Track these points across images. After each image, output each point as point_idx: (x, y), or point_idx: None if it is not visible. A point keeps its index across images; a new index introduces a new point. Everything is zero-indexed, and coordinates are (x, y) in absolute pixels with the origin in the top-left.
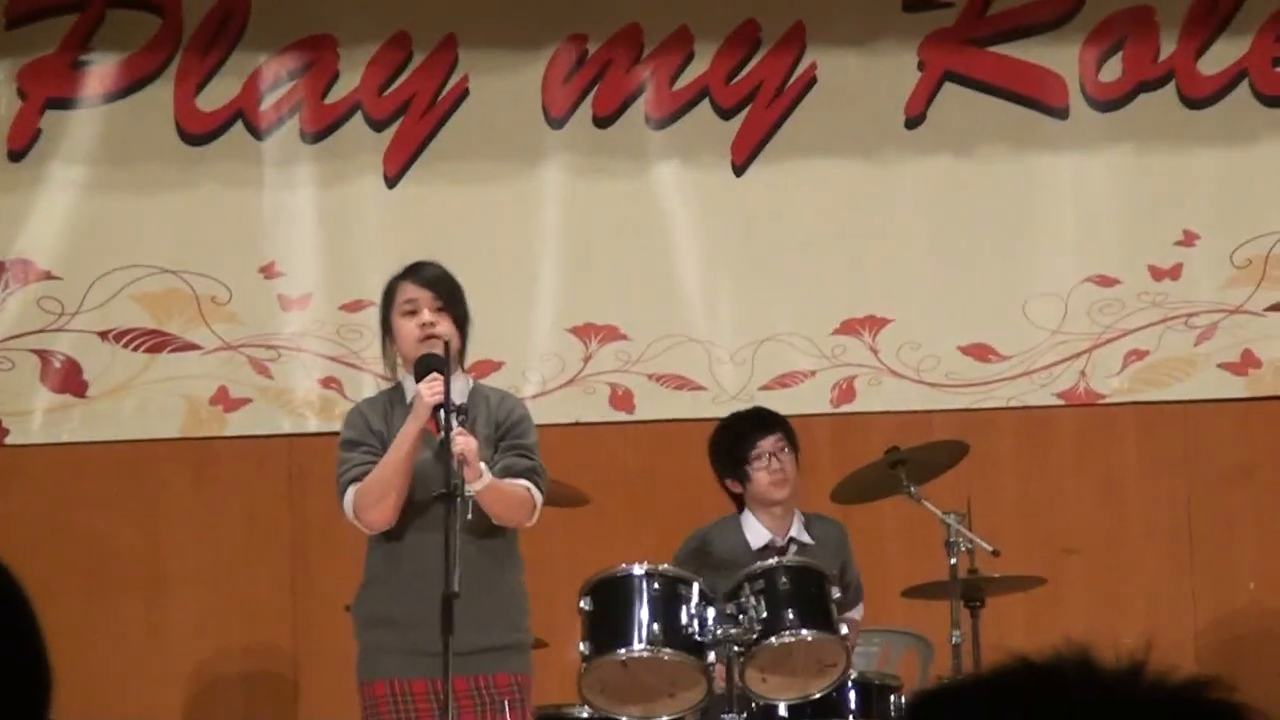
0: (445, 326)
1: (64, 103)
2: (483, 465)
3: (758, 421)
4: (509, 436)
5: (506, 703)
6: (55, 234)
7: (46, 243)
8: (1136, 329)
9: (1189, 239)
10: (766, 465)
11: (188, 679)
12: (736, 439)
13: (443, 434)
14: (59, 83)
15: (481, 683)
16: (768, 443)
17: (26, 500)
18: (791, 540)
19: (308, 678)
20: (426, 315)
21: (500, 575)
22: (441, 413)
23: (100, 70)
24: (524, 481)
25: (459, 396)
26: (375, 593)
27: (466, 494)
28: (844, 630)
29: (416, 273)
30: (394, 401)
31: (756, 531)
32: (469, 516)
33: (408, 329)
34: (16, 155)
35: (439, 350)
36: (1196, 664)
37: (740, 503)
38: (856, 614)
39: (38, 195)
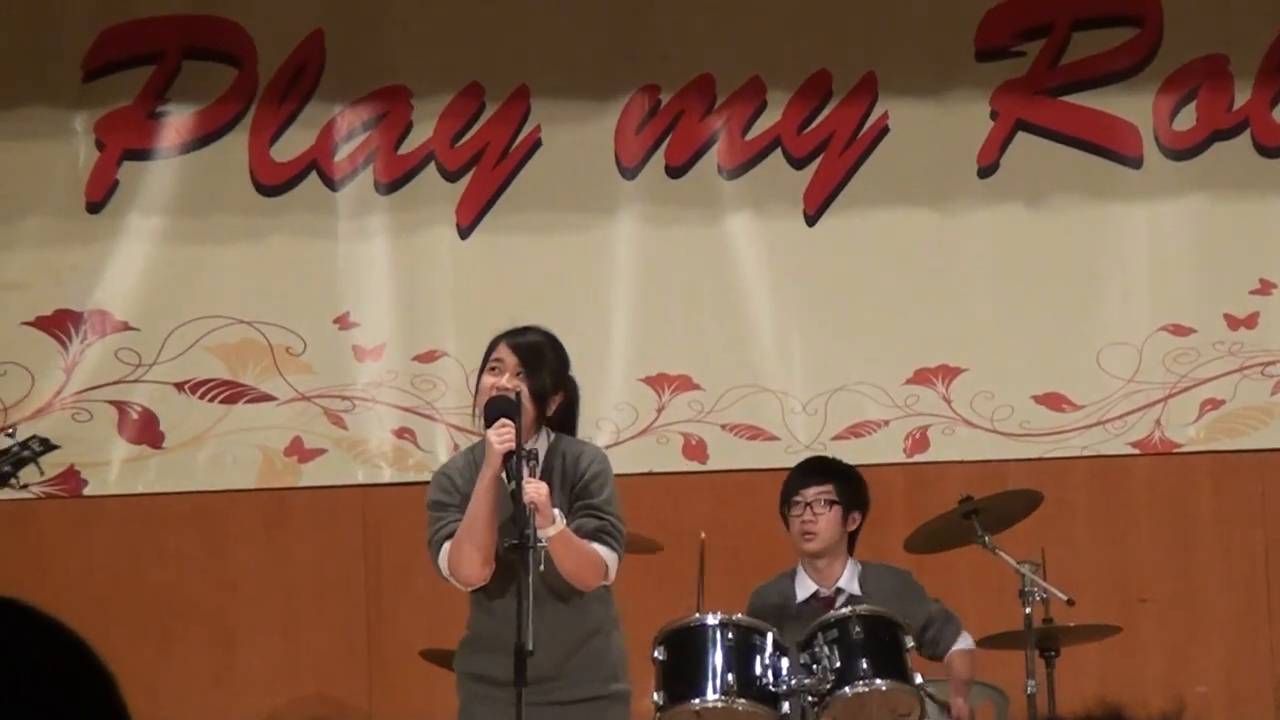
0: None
1: (141, 154)
2: (556, 512)
3: (809, 468)
4: (582, 497)
5: None
6: (132, 285)
7: (124, 294)
8: (1212, 378)
9: (1265, 287)
10: (800, 515)
11: None
12: (788, 482)
13: (513, 483)
14: (136, 134)
15: None
16: (809, 492)
17: (103, 550)
18: (839, 591)
19: None
20: (505, 380)
21: (596, 628)
22: (511, 460)
23: (176, 121)
24: (593, 543)
25: (531, 446)
26: (473, 649)
27: (540, 542)
28: (918, 679)
29: (513, 335)
30: (478, 457)
31: (804, 583)
32: (541, 567)
33: (485, 385)
34: (95, 207)
35: (509, 394)
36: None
37: None
38: (964, 644)
39: (115, 246)
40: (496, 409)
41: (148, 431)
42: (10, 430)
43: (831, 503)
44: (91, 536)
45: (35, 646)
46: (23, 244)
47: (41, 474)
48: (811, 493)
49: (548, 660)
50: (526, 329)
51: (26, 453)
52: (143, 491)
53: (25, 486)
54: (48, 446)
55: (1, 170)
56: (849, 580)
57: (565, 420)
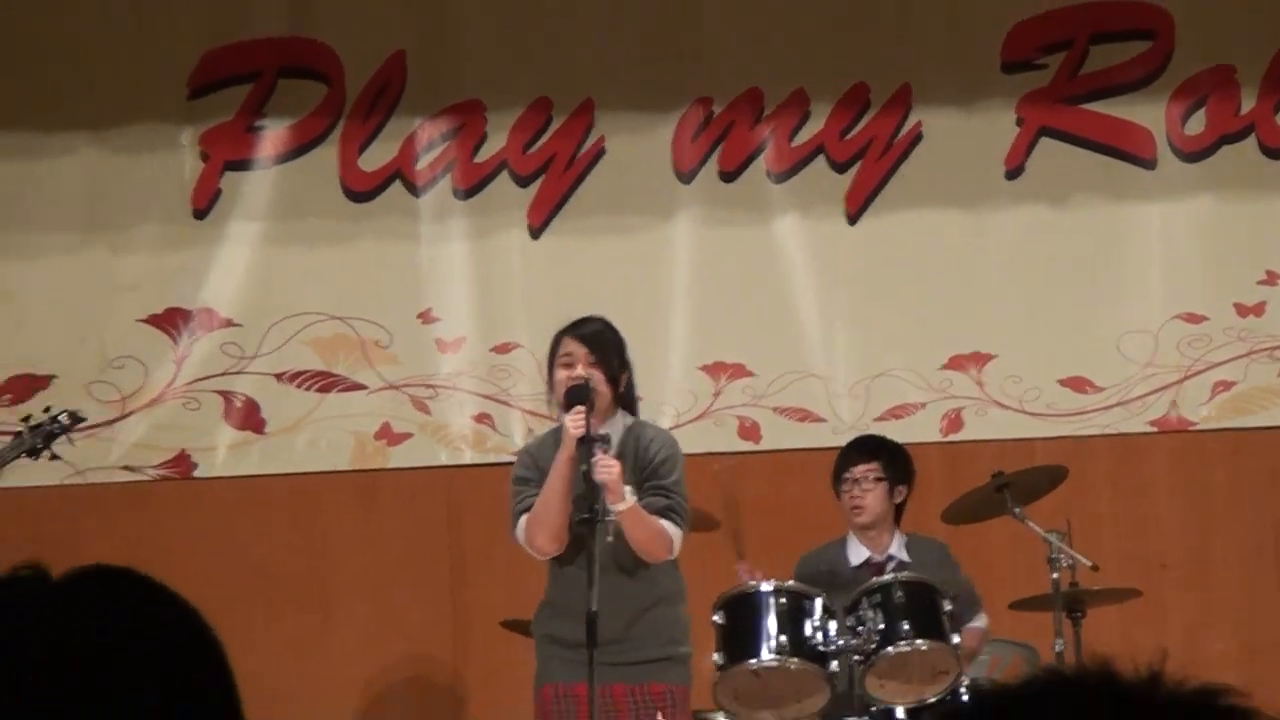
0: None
1: (241, 164)
2: (628, 489)
3: (858, 447)
4: (651, 478)
5: (659, 710)
6: (235, 285)
7: (227, 293)
8: (1223, 361)
9: (1271, 278)
10: (850, 490)
11: (357, 692)
12: (840, 460)
13: (584, 466)
14: (236, 146)
15: (638, 691)
16: (857, 469)
17: (212, 527)
18: (890, 558)
19: (467, 690)
20: (580, 370)
21: (660, 597)
22: (583, 444)
23: (273, 134)
24: (660, 519)
25: (608, 429)
26: (548, 613)
27: (609, 516)
28: (955, 640)
29: (576, 328)
30: (559, 439)
31: (856, 550)
32: (610, 539)
33: (560, 379)
34: (200, 214)
35: (584, 382)
36: None
37: None
38: (979, 623)
39: (219, 250)
40: (575, 396)
41: (251, 418)
42: (47, 409)
43: (878, 479)
44: (202, 514)
45: (153, 614)
46: (137, 248)
47: (73, 444)
48: (859, 470)
49: (615, 625)
50: (585, 320)
51: (55, 426)
52: (247, 473)
53: (55, 458)
54: (75, 419)
55: (117, 181)
56: (898, 548)
57: (627, 393)
